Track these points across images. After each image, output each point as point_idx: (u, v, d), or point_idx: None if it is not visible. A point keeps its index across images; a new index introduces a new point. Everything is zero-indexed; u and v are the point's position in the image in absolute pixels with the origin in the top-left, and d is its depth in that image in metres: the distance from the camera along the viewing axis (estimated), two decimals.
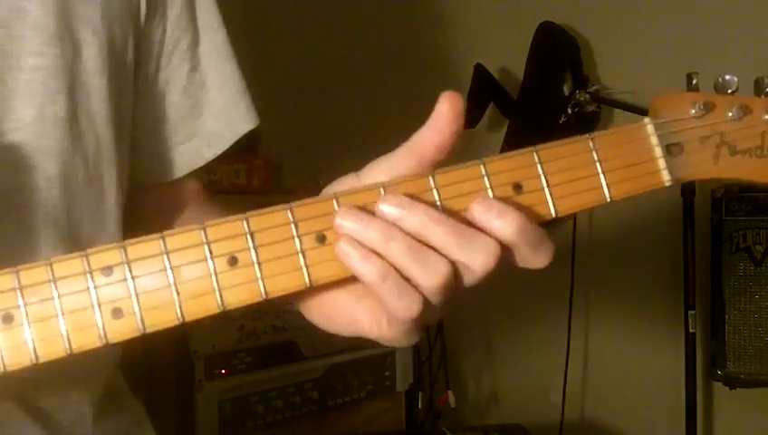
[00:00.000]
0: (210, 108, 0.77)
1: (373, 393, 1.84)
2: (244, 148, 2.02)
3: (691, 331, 1.76)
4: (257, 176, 1.94)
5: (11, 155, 0.60)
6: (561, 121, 1.97)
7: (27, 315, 0.48)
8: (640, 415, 2.10)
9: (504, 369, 2.35)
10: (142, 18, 0.70)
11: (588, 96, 1.94)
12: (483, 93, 2.09)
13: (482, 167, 0.57)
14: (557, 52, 2.06)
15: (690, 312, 1.76)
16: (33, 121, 0.61)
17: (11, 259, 0.50)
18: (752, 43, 1.85)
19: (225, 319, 1.56)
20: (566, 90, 2.03)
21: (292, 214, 0.53)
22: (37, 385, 0.64)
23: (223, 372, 1.56)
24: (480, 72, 2.08)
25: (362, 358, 1.82)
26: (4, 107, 0.59)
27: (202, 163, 0.77)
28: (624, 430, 2.14)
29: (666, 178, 0.60)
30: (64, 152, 0.63)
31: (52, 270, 0.49)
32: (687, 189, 1.76)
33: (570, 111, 1.96)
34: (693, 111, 0.61)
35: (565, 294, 2.10)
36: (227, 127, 0.78)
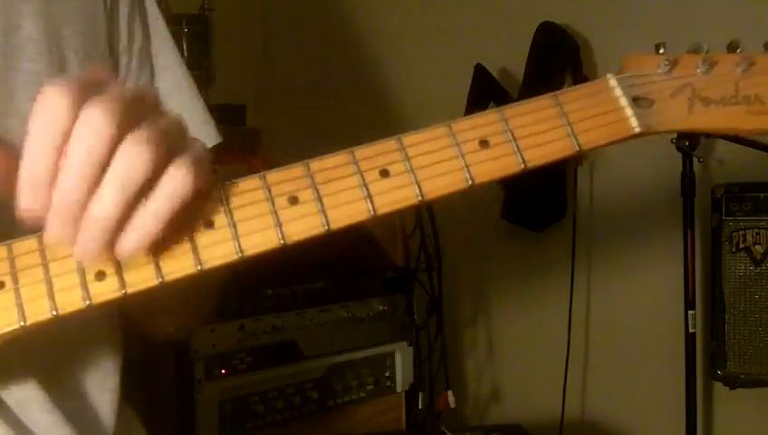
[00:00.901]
0: None
1: (373, 393, 1.84)
2: (245, 148, 2.03)
3: (691, 331, 1.76)
4: None
5: (11, 139, 0.64)
6: None
7: (17, 280, 0.51)
8: (640, 415, 2.10)
9: (504, 369, 2.35)
10: (112, 43, 0.76)
11: None
12: (483, 93, 2.09)
13: (448, 127, 0.59)
14: (557, 52, 2.06)
15: (690, 312, 1.76)
16: (28, 112, 0.64)
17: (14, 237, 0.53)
18: (753, 44, 1.85)
19: (226, 319, 1.56)
20: None
21: (265, 180, 0.56)
22: (58, 360, 0.67)
23: (223, 372, 1.56)
24: (480, 72, 2.08)
25: (362, 358, 1.82)
26: (4, 98, 0.65)
27: None
28: (624, 430, 2.14)
29: (634, 124, 0.61)
30: None
31: (41, 239, 0.52)
32: (687, 189, 1.76)
33: None
34: (660, 70, 0.63)
35: (565, 294, 2.10)
36: None
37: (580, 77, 2.03)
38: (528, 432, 1.70)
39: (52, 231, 0.48)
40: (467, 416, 2.34)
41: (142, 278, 0.52)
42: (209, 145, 0.82)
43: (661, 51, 0.64)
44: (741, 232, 1.82)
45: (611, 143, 0.61)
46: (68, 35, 0.70)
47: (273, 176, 0.56)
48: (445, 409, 2.01)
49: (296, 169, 0.57)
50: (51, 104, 0.46)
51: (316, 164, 0.57)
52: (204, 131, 0.82)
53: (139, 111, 0.49)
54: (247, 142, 2.05)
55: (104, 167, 0.47)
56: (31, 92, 0.65)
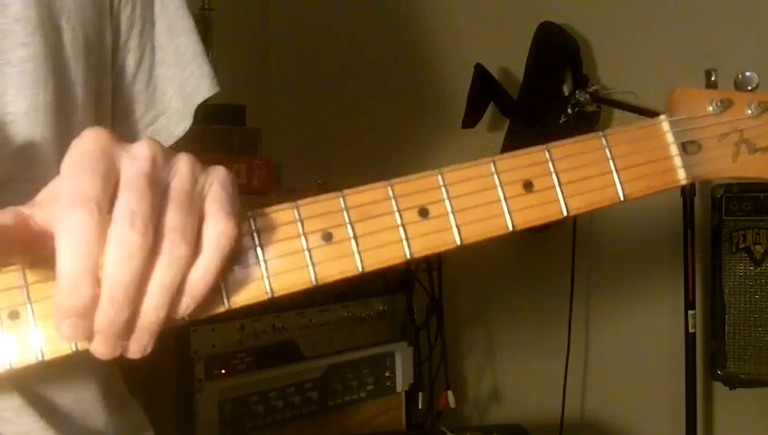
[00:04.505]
0: (174, 85, 0.78)
1: (373, 393, 1.84)
2: (244, 148, 2.03)
3: (691, 331, 1.76)
4: (257, 176, 1.94)
5: (8, 147, 0.61)
6: (561, 121, 1.97)
7: (33, 312, 0.48)
8: (640, 415, 2.10)
9: (503, 369, 2.35)
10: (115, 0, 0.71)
11: (588, 96, 1.94)
12: (483, 93, 2.09)
13: (491, 165, 0.56)
14: (557, 52, 2.06)
15: (690, 312, 1.76)
16: (26, 112, 0.62)
17: None
18: (752, 41, 1.85)
19: (226, 319, 1.56)
20: (566, 90, 2.03)
21: (299, 213, 0.53)
22: (40, 376, 0.64)
23: (223, 372, 1.56)
24: (480, 72, 2.08)
25: (362, 358, 1.82)
26: None
27: (173, 141, 0.77)
28: (624, 430, 2.14)
29: (681, 176, 0.59)
30: (56, 139, 0.63)
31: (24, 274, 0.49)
32: (687, 189, 1.76)
33: (570, 111, 1.96)
34: (711, 108, 0.60)
35: (565, 295, 2.10)
36: (186, 103, 0.79)
37: (580, 77, 2.03)
38: (528, 432, 1.70)
39: (99, 349, 0.46)
40: (467, 416, 2.34)
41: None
42: (205, 96, 0.79)
43: (713, 78, 0.61)
44: (741, 232, 1.82)
45: (655, 193, 0.59)
46: (60, 3, 0.64)
47: (308, 208, 0.53)
48: (445, 409, 2.01)
49: (331, 202, 0.53)
50: (75, 225, 0.44)
51: (352, 198, 0.53)
52: (195, 81, 0.78)
53: (159, 186, 0.46)
54: (247, 142, 2.05)
55: (146, 276, 0.45)
56: (24, 89, 0.61)
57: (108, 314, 0.45)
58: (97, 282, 0.44)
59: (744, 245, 1.81)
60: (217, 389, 1.55)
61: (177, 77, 0.78)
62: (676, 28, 1.98)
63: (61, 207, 0.45)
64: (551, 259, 2.18)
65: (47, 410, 0.64)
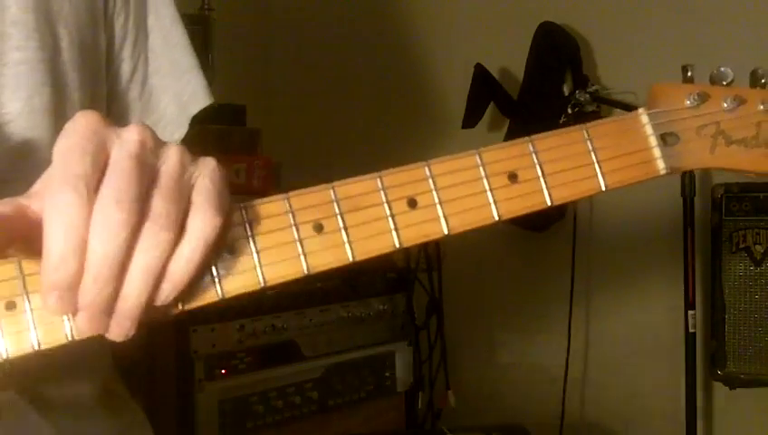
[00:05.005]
0: (169, 93, 0.79)
1: (373, 393, 1.84)
2: (244, 148, 2.03)
3: (691, 331, 1.76)
4: (257, 176, 1.94)
5: (4, 146, 0.62)
6: (561, 121, 1.97)
7: (30, 302, 0.48)
8: (640, 415, 2.10)
9: (504, 368, 2.35)
10: (109, 6, 0.72)
11: (588, 96, 1.95)
12: (483, 93, 2.09)
13: (477, 157, 0.58)
14: (557, 52, 2.06)
15: (690, 312, 1.76)
16: (21, 113, 0.63)
17: None
18: (751, 42, 1.85)
19: (226, 319, 1.56)
20: (566, 90, 2.03)
21: (290, 204, 0.54)
22: (38, 373, 0.64)
23: (223, 372, 1.56)
24: (480, 72, 2.08)
25: (362, 358, 1.82)
26: None
27: None
28: (624, 430, 2.14)
29: (661, 166, 0.61)
30: (53, 141, 0.64)
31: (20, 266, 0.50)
32: (687, 189, 1.76)
33: (570, 111, 1.96)
34: (688, 102, 0.62)
35: (565, 294, 2.10)
36: (182, 111, 0.80)
37: (580, 77, 2.04)
38: (528, 432, 1.70)
39: (82, 326, 0.47)
40: (467, 416, 2.34)
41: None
42: (201, 106, 0.79)
43: (689, 73, 0.64)
44: (741, 232, 1.82)
45: (637, 183, 0.61)
46: (56, 7, 0.66)
47: (299, 199, 0.54)
48: (445, 409, 2.01)
49: (322, 194, 0.54)
50: (63, 203, 0.45)
51: (343, 189, 0.55)
52: (191, 91, 0.79)
53: (147, 170, 0.47)
54: (247, 142, 2.05)
55: (129, 255, 0.46)
56: (20, 90, 0.62)
57: (92, 290, 0.45)
58: (83, 257, 0.45)
59: (743, 245, 1.82)
60: (217, 389, 1.55)
61: (172, 86, 0.79)
62: (676, 28, 1.98)
63: (50, 187, 0.45)
64: (551, 259, 2.18)
65: (44, 407, 0.64)
